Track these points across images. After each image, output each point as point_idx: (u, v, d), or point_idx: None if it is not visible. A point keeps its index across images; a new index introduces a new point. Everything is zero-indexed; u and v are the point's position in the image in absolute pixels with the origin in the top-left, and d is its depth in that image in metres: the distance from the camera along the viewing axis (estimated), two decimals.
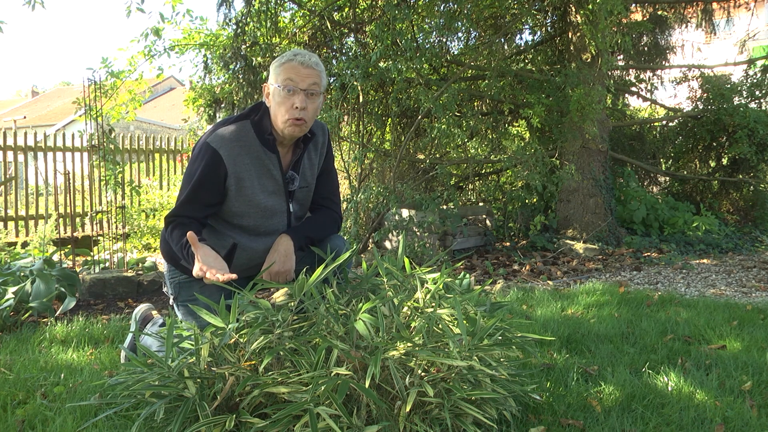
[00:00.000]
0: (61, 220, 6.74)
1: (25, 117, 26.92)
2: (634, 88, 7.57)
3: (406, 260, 1.99)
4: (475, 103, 6.77)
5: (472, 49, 6.58)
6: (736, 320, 3.02)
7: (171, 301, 2.21)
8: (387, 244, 5.29)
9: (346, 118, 6.07)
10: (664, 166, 7.73)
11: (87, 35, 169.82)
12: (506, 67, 6.09)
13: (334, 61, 5.95)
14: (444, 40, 6.47)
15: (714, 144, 7.36)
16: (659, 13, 7.21)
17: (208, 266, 1.81)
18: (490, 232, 5.85)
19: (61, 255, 4.56)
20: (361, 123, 6.13)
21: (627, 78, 7.52)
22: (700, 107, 7.14)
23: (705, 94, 7.12)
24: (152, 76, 6.52)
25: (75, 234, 5.47)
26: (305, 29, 6.05)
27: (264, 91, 2.08)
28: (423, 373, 1.64)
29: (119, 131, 6.72)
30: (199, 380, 1.65)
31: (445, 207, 5.22)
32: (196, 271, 1.83)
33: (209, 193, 2.01)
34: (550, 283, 4.32)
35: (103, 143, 4.58)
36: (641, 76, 7.56)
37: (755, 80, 7.18)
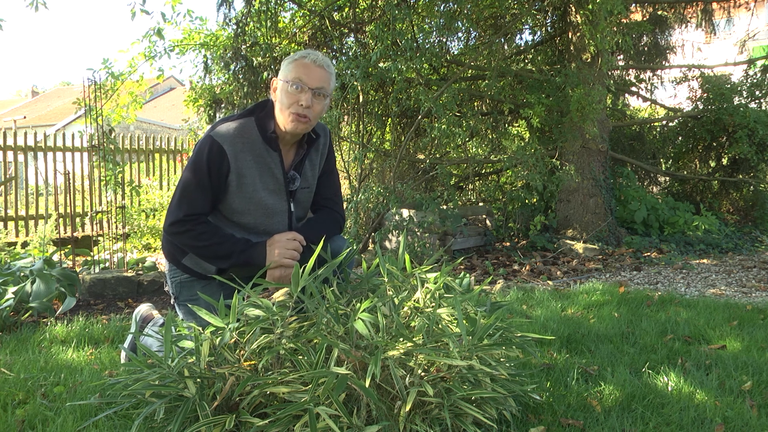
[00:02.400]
0: (61, 220, 6.74)
1: (25, 117, 26.92)
2: (634, 88, 7.57)
3: (407, 258, 1.99)
4: (475, 103, 6.78)
5: (472, 49, 6.59)
6: (736, 320, 3.02)
7: (172, 300, 2.21)
8: (387, 244, 5.29)
9: (346, 118, 6.08)
10: (664, 166, 7.73)
11: (87, 35, 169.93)
12: (506, 67, 6.09)
13: (334, 61, 5.95)
14: (444, 40, 6.47)
15: (714, 144, 7.36)
16: (659, 13, 7.21)
17: (288, 249, 2.00)
18: (490, 232, 5.85)
19: (61, 255, 4.56)
20: (361, 123, 6.13)
21: (627, 78, 7.52)
22: (700, 107, 7.15)
23: (705, 94, 7.12)
24: (152, 76, 6.52)
25: (75, 234, 5.47)
26: (305, 29, 6.06)
27: (271, 85, 2.08)
28: (423, 373, 1.64)
29: (119, 131, 6.73)
30: (199, 380, 1.65)
31: (445, 207, 5.22)
32: (280, 260, 1.98)
33: (213, 188, 2.00)
34: (550, 283, 4.32)
35: (103, 143, 4.58)
36: (641, 76, 7.56)
37: (755, 80, 7.18)
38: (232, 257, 1.99)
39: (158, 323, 2.29)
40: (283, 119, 2.02)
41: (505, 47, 6.78)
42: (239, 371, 1.66)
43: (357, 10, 6.01)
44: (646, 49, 7.29)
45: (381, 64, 5.12)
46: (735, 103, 6.86)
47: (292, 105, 1.99)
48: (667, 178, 7.80)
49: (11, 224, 6.74)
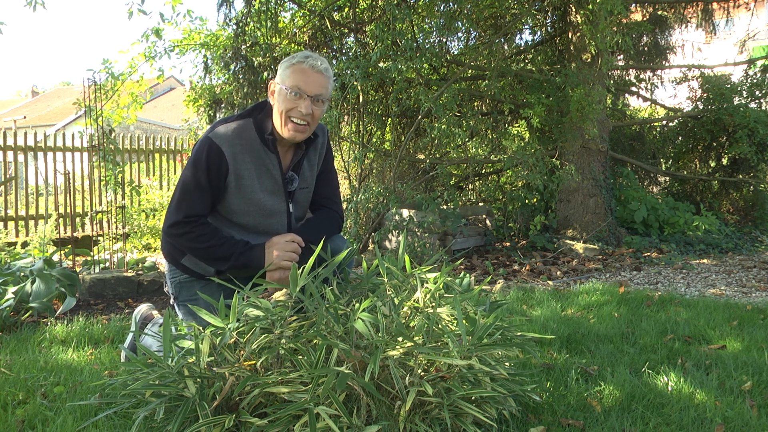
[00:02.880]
0: (61, 220, 6.74)
1: (25, 117, 26.92)
2: (634, 88, 7.57)
3: (407, 259, 1.99)
4: (475, 103, 6.78)
5: (472, 49, 6.59)
6: (736, 320, 3.02)
7: (172, 300, 2.21)
8: (387, 244, 5.29)
9: (346, 118, 6.08)
10: (664, 166, 7.74)
11: (87, 35, 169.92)
12: (506, 67, 6.09)
13: (334, 61, 5.96)
14: (444, 40, 6.47)
15: (714, 144, 7.36)
16: (659, 13, 7.21)
17: (287, 251, 2.00)
18: (490, 232, 5.85)
19: (61, 255, 4.56)
20: (361, 123, 6.13)
21: (627, 78, 7.52)
22: (700, 107, 7.15)
23: (705, 94, 7.12)
24: (153, 76, 6.52)
25: (75, 234, 5.47)
26: (305, 29, 6.06)
27: (269, 88, 2.08)
28: (423, 373, 1.64)
29: (119, 131, 6.73)
30: (198, 380, 1.65)
31: (445, 207, 5.22)
32: (279, 262, 1.99)
33: (212, 189, 2.01)
34: (550, 283, 4.32)
35: (103, 143, 4.58)
36: (641, 76, 7.56)
37: (755, 80, 7.18)
38: (231, 259, 2.00)
39: (158, 323, 2.29)
40: (281, 125, 2.02)
41: (505, 47, 6.78)
42: (239, 371, 1.66)
43: (357, 10, 6.01)
44: (646, 49, 7.29)
45: (381, 64, 5.12)
46: (735, 103, 6.85)
47: (290, 110, 2.00)
48: (667, 178, 7.80)
49: (11, 224, 6.74)
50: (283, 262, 1.99)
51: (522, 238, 5.94)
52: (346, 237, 4.98)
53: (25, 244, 5.58)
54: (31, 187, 8.09)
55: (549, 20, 6.75)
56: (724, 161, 7.41)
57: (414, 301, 1.87)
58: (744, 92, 7.09)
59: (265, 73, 5.59)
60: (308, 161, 2.17)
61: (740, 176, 7.17)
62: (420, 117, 5.50)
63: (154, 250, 5.99)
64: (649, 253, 5.41)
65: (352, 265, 2.18)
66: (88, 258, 4.49)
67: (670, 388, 2.05)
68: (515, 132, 7.52)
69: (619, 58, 7.03)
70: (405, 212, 5.18)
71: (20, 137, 6.86)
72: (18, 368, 2.24)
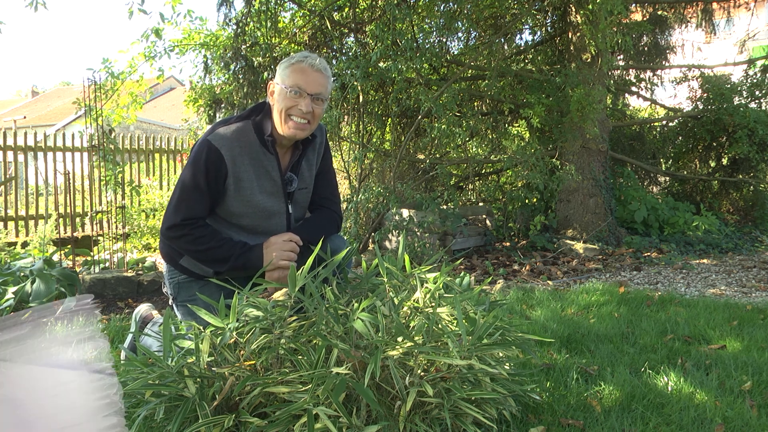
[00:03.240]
0: (61, 220, 6.74)
1: (25, 117, 26.91)
2: (634, 88, 7.57)
3: (407, 259, 1.99)
4: (475, 103, 6.78)
5: (472, 49, 6.59)
6: (736, 320, 3.02)
7: (171, 301, 2.20)
8: (387, 244, 5.29)
9: (346, 118, 6.08)
10: (664, 166, 7.73)
11: (87, 35, 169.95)
12: (506, 67, 6.09)
13: (334, 61, 5.96)
14: (444, 40, 6.47)
15: (714, 144, 7.37)
16: (659, 13, 7.21)
17: (285, 251, 2.00)
18: (490, 232, 5.85)
19: (61, 255, 4.56)
20: (361, 123, 6.13)
21: (627, 78, 7.52)
22: (700, 107, 7.15)
23: (705, 94, 7.12)
24: (152, 76, 6.51)
25: (75, 234, 5.47)
26: (305, 29, 6.06)
27: (268, 89, 2.08)
28: (423, 373, 1.64)
29: (119, 131, 6.72)
30: (198, 380, 1.65)
31: (445, 207, 5.22)
32: (278, 263, 1.99)
33: (210, 192, 2.00)
34: (550, 283, 4.32)
35: (103, 143, 4.58)
36: (641, 76, 7.56)
37: (755, 80, 7.18)
38: (230, 261, 2.00)
39: (158, 323, 2.29)
40: (281, 123, 2.02)
41: (505, 47, 6.78)
42: (239, 371, 1.66)
43: (357, 10, 6.01)
44: (646, 49, 7.29)
45: (381, 64, 5.12)
46: (735, 103, 6.85)
47: (290, 108, 2.00)
48: (667, 178, 7.80)
49: (11, 224, 6.74)
50: (282, 261, 1.99)
51: (522, 238, 5.93)
52: (346, 237, 4.98)
53: (25, 244, 5.58)
54: (31, 187, 8.09)
55: (549, 20, 6.75)
56: (724, 161, 7.41)
57: (414, 301, 1.87)
58: (744, 92, 7.09)
59: (265, 73, 5.59)
60: (307, 161, 2.17)
61: (740, 176, 7.17)
62: (420, 117, 5.50)
63: (154, 250, 5.99)
64: (649, 253, 5.41)
65: (352, 265, 2.18)
66: (88, 258, 4.49)
67: (670, 388, 2.05)
68: (515, 132, 7.52)
69: (619, 58, 7.03)
70: (405, 212, 5.18)
71: (20, 137, 6.86)
72: None
